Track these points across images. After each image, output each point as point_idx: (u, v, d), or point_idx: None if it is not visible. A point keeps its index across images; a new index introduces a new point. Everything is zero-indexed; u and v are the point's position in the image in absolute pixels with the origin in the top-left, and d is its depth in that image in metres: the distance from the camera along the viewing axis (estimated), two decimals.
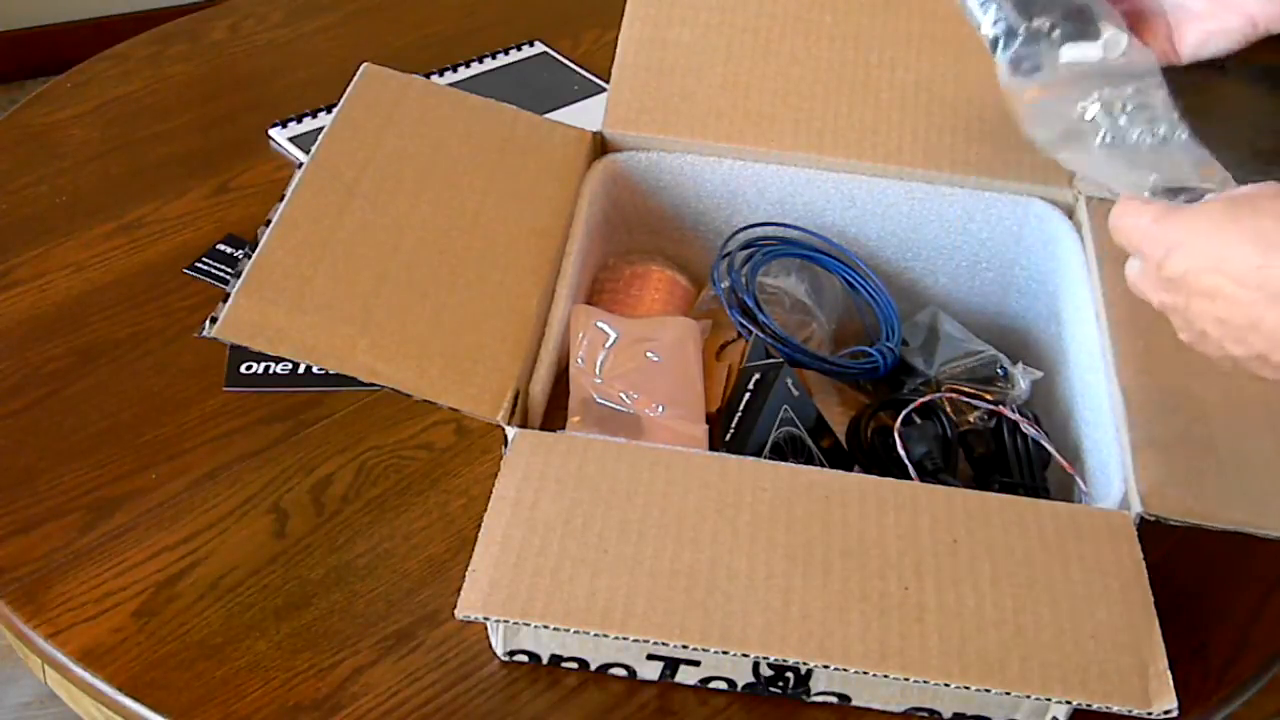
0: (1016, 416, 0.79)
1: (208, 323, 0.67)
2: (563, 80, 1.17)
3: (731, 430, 0.76)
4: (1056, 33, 0.66)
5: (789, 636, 0.62)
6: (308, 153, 0.78)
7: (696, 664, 0.69)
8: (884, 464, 0.77)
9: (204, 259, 0.96)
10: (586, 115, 0.91)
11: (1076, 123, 0.65)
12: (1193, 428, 0.72)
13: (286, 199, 0.74)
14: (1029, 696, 0.62)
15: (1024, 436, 0.79)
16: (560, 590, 0.63)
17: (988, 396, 0.81)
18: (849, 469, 0.79)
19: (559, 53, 1.20)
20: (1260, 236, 0.56)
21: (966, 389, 0.82)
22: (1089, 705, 0.61)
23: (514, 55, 1.20)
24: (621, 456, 0.69)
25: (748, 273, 0.84)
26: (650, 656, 0.69)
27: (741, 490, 0.68)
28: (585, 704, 0.70)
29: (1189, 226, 0.59)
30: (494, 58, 1.19)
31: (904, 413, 0.78)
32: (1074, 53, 0.66)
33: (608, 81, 0.90)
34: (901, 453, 0.75)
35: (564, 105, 1.12)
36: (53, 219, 0.98)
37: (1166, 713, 0.61)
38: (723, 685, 0.70)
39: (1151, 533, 0.68)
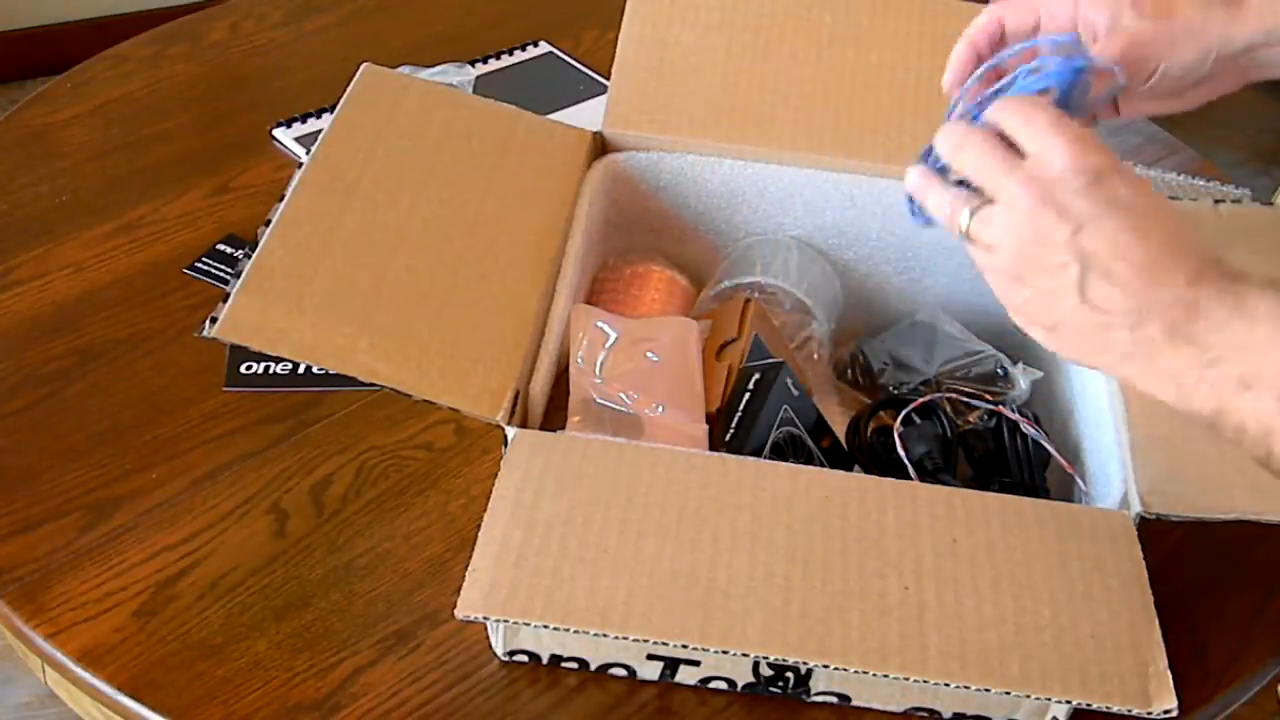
0: (1016, 416, 0.79)
1: (208, 323, 0.67)
2: (568, 80, 1.17)
3: (731, 430, 0.76)
4: None
5: (789, 636, 0.62)
6: None
7: (696, 664, 0.69)
8: (884, 464, 0.77)
9: (204, 259, 0.96)
10: (591, 115, 0.91)
11: None
12: (1191, 426, 0.72)
13: (286, 199, 0.74)
14: (1029, 696, 0.62)
15: (1024, 436, 0.79)
16: (560, 590, 0.63)
17: (988, 396, 0.81)
18: (849, 469, 0.79)
19: (564, 52, 1.20)
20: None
21: (966, 389, 0.82)
22: (1089, 705, 0.61)
23: (519, 55, 1.20)
24: (621, 456, 0.69)
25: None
26: (650, 656, 0.69)
27: (741, 490, 0.68)
28: (585, 704, 0.70)
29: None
30: (499, 58, 1.19)
31: (904, 413, 0.78)
32: None
33: None
34: (901, 453, 0.75)
35: (569, 105, 1.12)
36: (53, 219, 0.98)
37: (1166, 713, 0.61)
38: (723, 685, 0.70)
39: (1151, 533, 0.68)
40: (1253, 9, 0.67)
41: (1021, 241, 0.58)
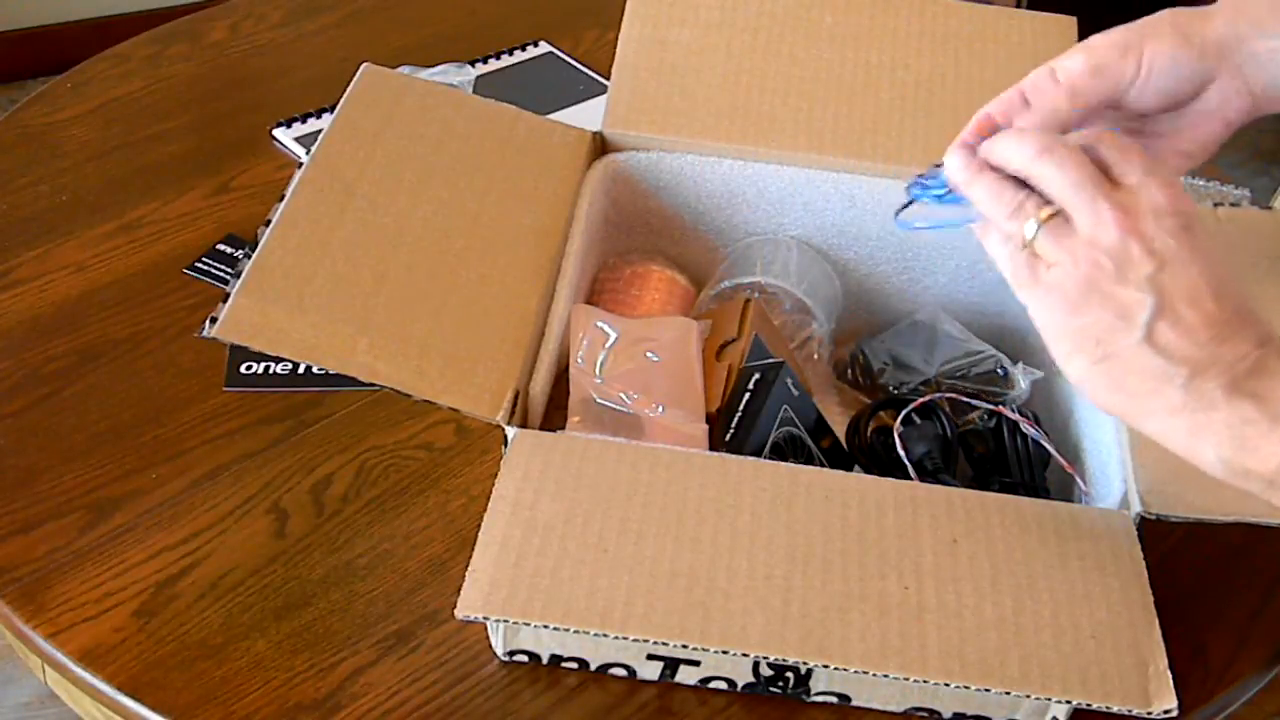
0: (1016, 416, 0.79)
1: (208, 323, 0.67)
2: (568, 80, 1.17)
3: (731, 430, 0.76)
4: None
5: (789, 636, 0.62)
6: None
7: (696, 664, 0.69)
8: (884, 464, 0.77)
9: (204, 259, 0.96)
10: (591, 115, 0.91)
11: None
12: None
13: (286, 199, 0.74)
14: (1029, 696, 0.62)
15: (1024, 436, 0.79)
16: (560, 590, 0.63)
17: (987, 396, 0.81)
18: (849, 469, 0.79)
19: (564, 53, 1.20)
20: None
21: (966, 389, 0.82)
22: (1089, 705, 0.61)
23: (519, 55, 1.20)
24: (621, 456, 0.69)
25: None
26: (650, 656, 0.69)
27: (741, 490, 0.68)
28: (585, 704, 0.70)
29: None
30: (499, 58, 1.19)
31: (904, 413, 0.78)
32: None
33: None
34: (901, 453, 0.75)
35: (569, 105, 1.12)
36: (53, 219, 0.98)
37: (1166, 713, 0.61)
38: (723, 685, 0.70)
39: (1152, 532, 0.68)
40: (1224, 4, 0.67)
41: (1097, 268, 0.56)
